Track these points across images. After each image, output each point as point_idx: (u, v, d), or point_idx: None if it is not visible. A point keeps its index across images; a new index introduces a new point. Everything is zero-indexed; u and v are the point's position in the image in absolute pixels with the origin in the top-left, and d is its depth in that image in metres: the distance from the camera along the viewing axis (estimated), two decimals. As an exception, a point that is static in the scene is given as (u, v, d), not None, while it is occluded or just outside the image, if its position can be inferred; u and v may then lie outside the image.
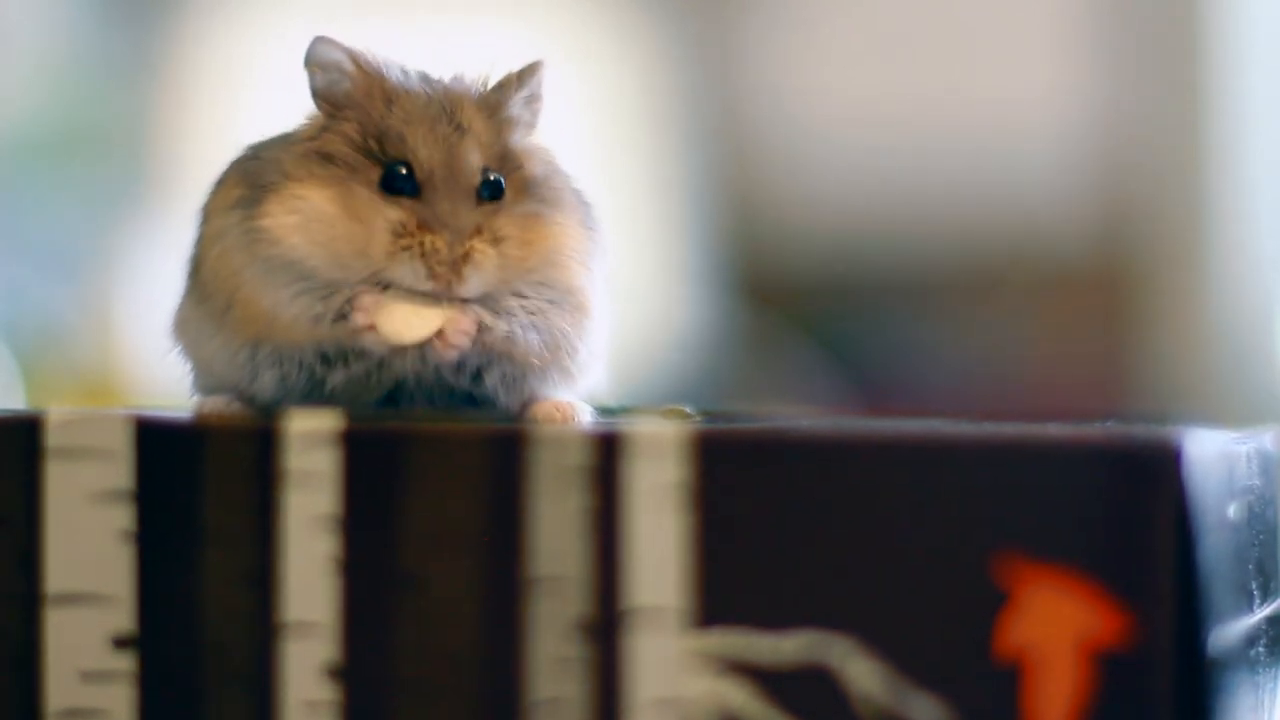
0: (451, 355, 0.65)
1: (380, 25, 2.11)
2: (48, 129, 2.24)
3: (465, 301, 0.64)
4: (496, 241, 0.64)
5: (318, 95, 0.66)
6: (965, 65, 2.28)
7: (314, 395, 0.66)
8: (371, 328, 0.64)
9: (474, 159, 0.65)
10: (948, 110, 2.28)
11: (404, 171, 0.64)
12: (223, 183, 0.67)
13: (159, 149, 2.33)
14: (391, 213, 0.64)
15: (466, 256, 0.64)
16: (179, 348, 0.69)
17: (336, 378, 0.66)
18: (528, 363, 0.66)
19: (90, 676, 0.61)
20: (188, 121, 2.32)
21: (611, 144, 2.31)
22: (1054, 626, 0.57)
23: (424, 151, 0.64)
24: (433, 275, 0.64)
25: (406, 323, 0.65)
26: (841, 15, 2.32)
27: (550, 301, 0.66)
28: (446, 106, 0.65)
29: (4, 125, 2.19)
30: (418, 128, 0.65)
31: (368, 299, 0.64)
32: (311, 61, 0.66)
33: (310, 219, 0.64)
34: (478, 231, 0.64)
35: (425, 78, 0.66)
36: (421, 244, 0.64)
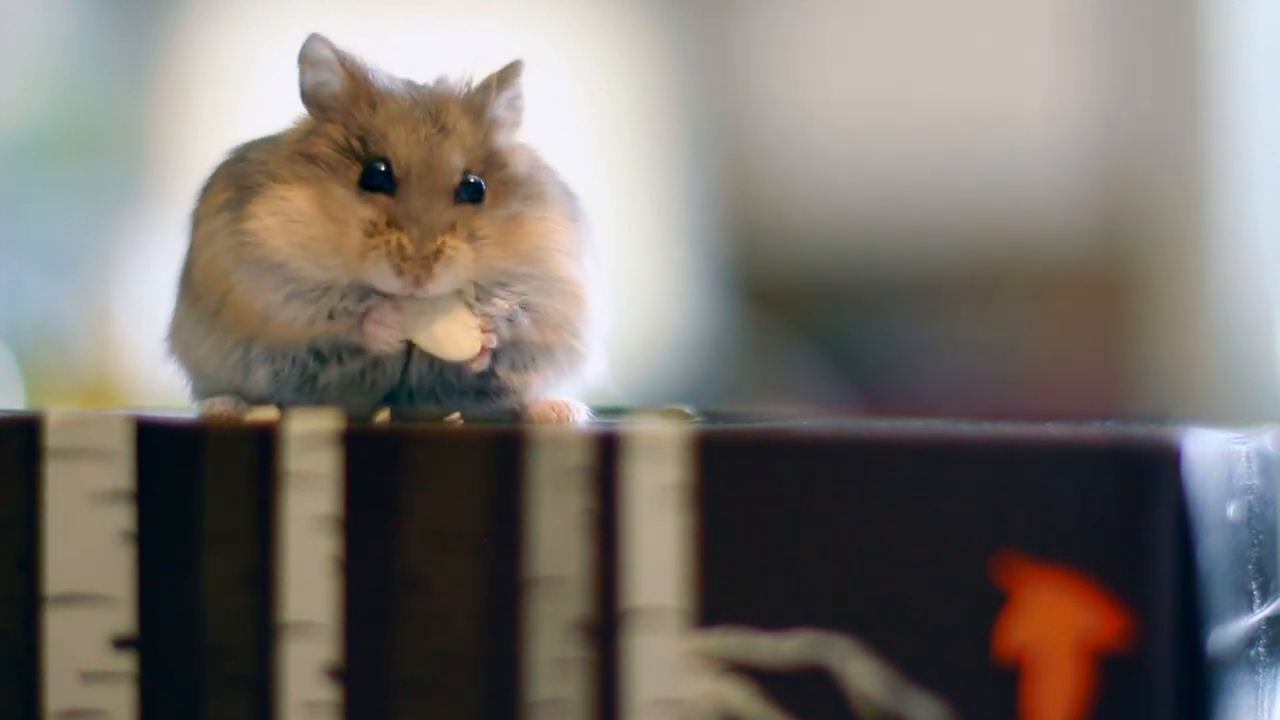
0: (483, 366, 0.65)
1: (378, 25, 2.11)
2: (48, 129, 2.24)
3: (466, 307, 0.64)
4: (472, 239, 0.64)
5: (306, 96, 0.66)
6: (965, 66, 2.28)
7: (307, 391, 0.66)
8: (391, 339, 0.64)
9: (454, 159, 0.65)
10: (948, 111, 2.28)
11: (382, 168, 0.64)
12: (210, 187, 0.67)
13: (159, 149, 2.33)
14: (364, 211, 0.64)
15: (438, 253, 0.63)
16: (174, 355, 0.69)
17: (330, 374, 0.66)
18: (532, 340, 0.66)
19: (90, 677, 0.61)
20: (188, 121, 2.32)
21: (611, 144, 2.31)
22: (1054, 626, 0.57)
23: (403, 148, 0.64)
24: (398, 273, 0.63)
25: (451, 339, 0.64)
26: (841, 16, 2.32)
27: (540, 290, 0.66)
28: (431, 109, 0.65)
29: (4, 125, 2.19)
30: (400, 126, 0.65)
31: (389, 314, 0.64)
32: (304, 58, 0.66)
33: (291, 219, 0.64)
34: (451, 228, 0.64)
35: (411, 83, 0.66)
36: (388, 242, 0.63)
